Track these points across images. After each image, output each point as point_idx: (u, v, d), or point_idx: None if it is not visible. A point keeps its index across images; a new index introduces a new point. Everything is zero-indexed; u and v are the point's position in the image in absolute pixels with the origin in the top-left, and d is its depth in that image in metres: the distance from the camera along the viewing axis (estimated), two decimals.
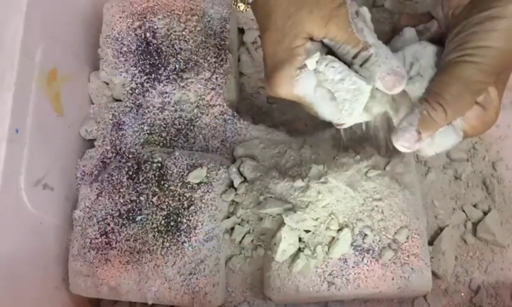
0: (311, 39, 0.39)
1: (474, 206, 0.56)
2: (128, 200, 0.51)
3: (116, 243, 0.50)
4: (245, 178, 0.53)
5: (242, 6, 0.41)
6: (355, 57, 0.39)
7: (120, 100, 0.59)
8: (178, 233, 0.49)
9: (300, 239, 0.49)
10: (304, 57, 0.39)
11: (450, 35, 0.39)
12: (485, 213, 0.55)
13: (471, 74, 0.37)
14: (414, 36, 0.43)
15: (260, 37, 0.41)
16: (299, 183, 0.50)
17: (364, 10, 0.41)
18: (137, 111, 0.57)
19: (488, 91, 0.39)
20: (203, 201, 0.50)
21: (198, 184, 0.51)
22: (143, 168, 0.52)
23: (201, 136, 0.57)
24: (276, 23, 0.39)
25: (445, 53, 0.39)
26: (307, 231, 0.49)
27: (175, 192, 0.51)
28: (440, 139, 0.41)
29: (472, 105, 0.39)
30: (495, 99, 0.39)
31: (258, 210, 0.51)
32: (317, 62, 0.39)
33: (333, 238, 0.48)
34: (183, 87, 0.57)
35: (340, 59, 0.40)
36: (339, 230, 0.48)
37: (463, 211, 0.56)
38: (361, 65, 0.39)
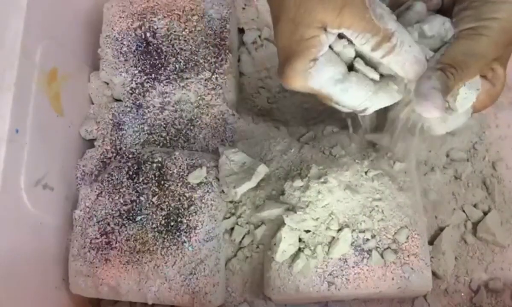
0: (326, 30, 0.37)
1: (474, 206, 0.56)
2: (128, 200, 0.51)
3: (116, 243, 0.50)
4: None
5: None
6: (375, 48, 0.37)
7: (120, 100, 0.59)
8: (178, 233, 0.49)
9: (300, 239, 0.49)
10: (318, 49, 0.37)
11: (460, 4, 0.40)
12: (485, 213, 0.55)
13: (484, 47, 0.38)
14: (424, 9, 0.42)
15: (273, 29, 0.39)
16: (299, 183, 0.50)
17: None
18: (137, 111, 0.57)
19: (494, 68, 0.40)
20: (203, 201, 0.50)
21: (198, 184, 0.51)
22: (143, 168, 0.52)
23: (201, 136, 0.57)
24: (289, 13, 0.37)
25: (458, 21, 0.39)
26: (307, 231, 0.49)
27: (175, 192, 0.51)
28: (451, 117, 0.42)
29: (478, 74, 0.40)
30: (502, 75, 0.41)
31: (258, 211, 0.51)
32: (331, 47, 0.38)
33: (333, 238, 0.48)
34: (183, 87, 0.57)
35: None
36: (339, 230, 0.48)
37: (463, 211, 0.56)
38: (382, 57, 0.37)
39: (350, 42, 0.38)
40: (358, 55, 0.39)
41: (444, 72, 0.38)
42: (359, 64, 0.39)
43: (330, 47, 0.38)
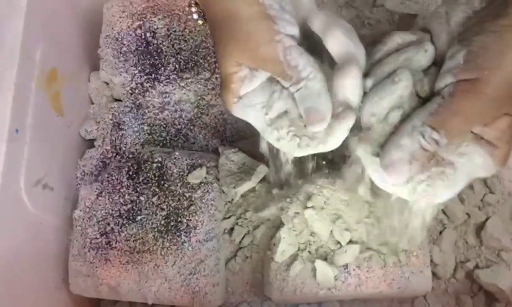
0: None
1: (476, 206, 0.56)
2: (128, 200, 0.51)
3: (116, 243, 0.50)
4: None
5: (196, 16, 0.40)
6: (287, 86, 0.38)
7: (120, 100, 0.59)
8: (178, 233, 0.49)
9: (300, 240, 0.49)
10: (238, 85, 0.38)
11: (456, 45, 0.36)
12: (486, 214, 0.55)
13: (483, 108, 0.33)
14: (398, 45, 0.40)
15: None
16: (299, 183, 0.50)
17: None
18: (137, 111, 0.57)
19: (495, 124, 0.34)
20: (203, 201, 0.50)
21: (198, 184, 0.51)
22: (143, 168, 0.52)
23: (201, 136, 0.57)
24: (216, 45, 0.38)
25: (453, 66, 0.35)
26: (307, 232, 0.49)
27: (175, 192, 0.51)
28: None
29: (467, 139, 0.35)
30: (505, 128, 0.34)
31: (258, 211, 0.51)
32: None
33: (333, 238, 0.48)
34: (183, 87, 0.57)
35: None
36: (348, 243, 0.48)
37: (464, 211, 0.56)
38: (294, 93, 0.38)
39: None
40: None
41: (425, 137, 0.35)
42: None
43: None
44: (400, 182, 0.35)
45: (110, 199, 0.51)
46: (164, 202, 0.51)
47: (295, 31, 0.37)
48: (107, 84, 0.60)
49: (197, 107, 0.57)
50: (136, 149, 0.55)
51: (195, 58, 0.58)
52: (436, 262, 0.53)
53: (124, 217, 0.51)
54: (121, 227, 0.50)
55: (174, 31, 0.58)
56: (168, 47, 0.58)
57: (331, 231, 0.48)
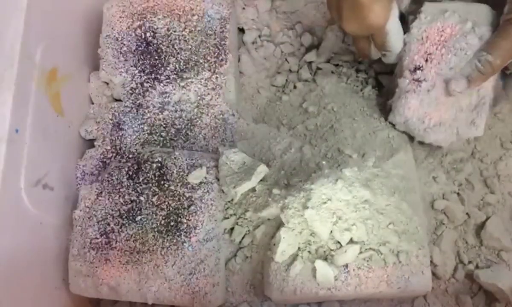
0: None
1: (475, 206, 0.56)
2: (128, 200, 0.51)
3: (116, 243, 0.50)
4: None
5: None
6: None
7: (120, 100, 0.59)
8: (178, 233, 0.49)
9: (300, 240, 0.49)
10: None
11: None
12: (486, 214, 0.55)
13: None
14: None
15: None
16: (299, 183, 0.50)
17: None
18: (137, 111, 0.57)
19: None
20: (203, 201, 0.50)
21: (198, 184, 0.51)
22: (143, 168, 0.52)
23: (201, 136, 0.57)
24: None
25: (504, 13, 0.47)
26: (308, 232, 0.49)
27: (175, 192, 0.51)
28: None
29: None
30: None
31: (258, 211, 0.51)
32: None
33: (333, 238, 0.48)
34: (183, 87, 0.57)
35: None
36: (348, 243, 0.48)
37: (464, 211, 0.56)
38: None
39: None
40: None
41: (481, 63, 0.48)
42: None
43: None
44: (460, 90, 0.49)
45: (110, 199, 0.51)
46: (164, 202, 0.51)
47: None
48: (107, 84, 0.60)
49: (197, 107, 0.57)
50: (136, 149, 0.55)
51: (195, 58, 0.58)
52: (436, 263, 0.53)
53: (124, 217, 0.51)
54: (121, 227, 0.50)
55: (174, 31, 0.58)
56: (168, 47, 0.58)
57: (331, 231, 0.48)
